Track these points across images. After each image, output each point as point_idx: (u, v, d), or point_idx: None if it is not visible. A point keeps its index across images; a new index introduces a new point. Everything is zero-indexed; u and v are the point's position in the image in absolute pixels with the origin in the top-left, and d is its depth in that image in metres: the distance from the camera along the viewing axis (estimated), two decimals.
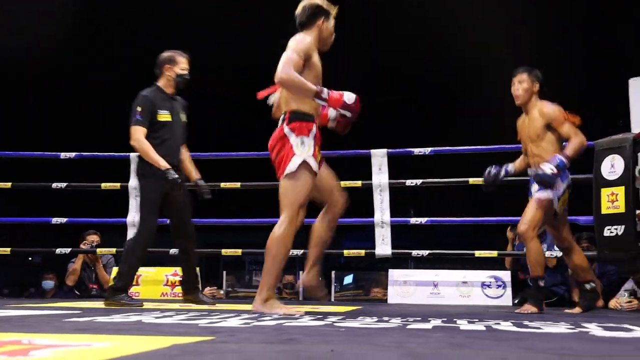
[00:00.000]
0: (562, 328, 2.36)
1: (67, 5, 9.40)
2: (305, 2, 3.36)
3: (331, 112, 3.39)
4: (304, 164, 3.12)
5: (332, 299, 5.74)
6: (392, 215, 5.09)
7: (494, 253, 4.98)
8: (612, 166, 4.42)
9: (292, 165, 3.09)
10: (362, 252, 5.17)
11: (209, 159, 5.51)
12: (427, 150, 5.02)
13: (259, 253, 6.54)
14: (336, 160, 5.39)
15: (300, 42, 3.16)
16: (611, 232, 4.37)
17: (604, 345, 1.80)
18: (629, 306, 4.45)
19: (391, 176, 5.11)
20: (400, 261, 8.68)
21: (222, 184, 5.41)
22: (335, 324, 2.46)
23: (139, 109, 3.94)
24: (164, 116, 4.00)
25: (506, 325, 2.49)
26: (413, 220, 5.13)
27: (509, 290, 5.04)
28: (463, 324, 2.52)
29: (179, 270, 5.39)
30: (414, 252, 5.03)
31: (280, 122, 3.23)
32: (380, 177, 5.05)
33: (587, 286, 3.94)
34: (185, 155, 4.27)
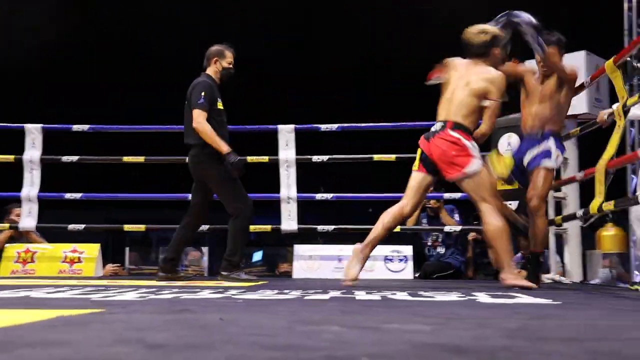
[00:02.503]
0: (453, 296, 2.46)
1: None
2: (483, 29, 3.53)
3: None
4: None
5: None
6: (304, 192, 5.14)
7: (397, 228, 5.11)
8: (509, 144, 4.63)
9: (476, 166, 3.37)
10: (269, 227, 5.18)
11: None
12: (334, 126, 5.06)
13: (166, 229, 6.44)
14: (244, 135, 5.38)
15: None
16: None
17: (486, 310, 1.89)
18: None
19: (305, 152, 5.14)
20: (311, 237, 8.75)
21: (125, 158, 5.25)
22: (234, 296, 2.45)
23: (203, 93, 4.06)
24: (220, 104, 4.17)
25: (402, 295, 2.56)
26: (319, 196, 5.19)
27: (410, 264, 5.20)
28: (360, 295, 2.58)
29: (78, 246, 5.22)
30: (320, 227, 5.09)
31: (440, 128, 3.43)
32: (287, 152, 5.06)
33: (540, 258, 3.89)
34: None
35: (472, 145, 3.41)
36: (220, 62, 4.22)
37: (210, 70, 4.25)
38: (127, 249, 6.14)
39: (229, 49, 4.27)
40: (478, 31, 3.51)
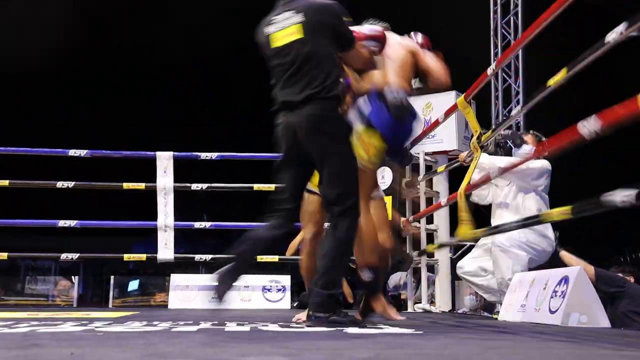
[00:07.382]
0: (322, 328, 2.47)
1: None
2: None
3: None
4: None
5: (110, 305, 5.50)
6: (185, 220, 5.06)
7: (275, 258, 5.13)
8: (382, 177, 4.81)
9: None
10: (144, 256, 5.02)
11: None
12: (214, 155, 5.03)
13: (33, 257, 6.07)
14: (119, 161, 5.22)
15: None
16: None
17: (347, 340, 1.93)
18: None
19: (186, 180, 5.06)
20: (194, 267, 8.55)
21: None
22: (97, 329, 2.34)
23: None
24: None
25: (273, 327, 2.55)
26: (197, 225, 5.11)
27: (288, 294, 5.22)
28: (231, 326, 2.55)
29: None
30: (197, 257, 5.00)
31: None
32: (165, 180, 4.95)
33: None
34: None
35: None
36: None
37: None
38: None
39: None
40: None
